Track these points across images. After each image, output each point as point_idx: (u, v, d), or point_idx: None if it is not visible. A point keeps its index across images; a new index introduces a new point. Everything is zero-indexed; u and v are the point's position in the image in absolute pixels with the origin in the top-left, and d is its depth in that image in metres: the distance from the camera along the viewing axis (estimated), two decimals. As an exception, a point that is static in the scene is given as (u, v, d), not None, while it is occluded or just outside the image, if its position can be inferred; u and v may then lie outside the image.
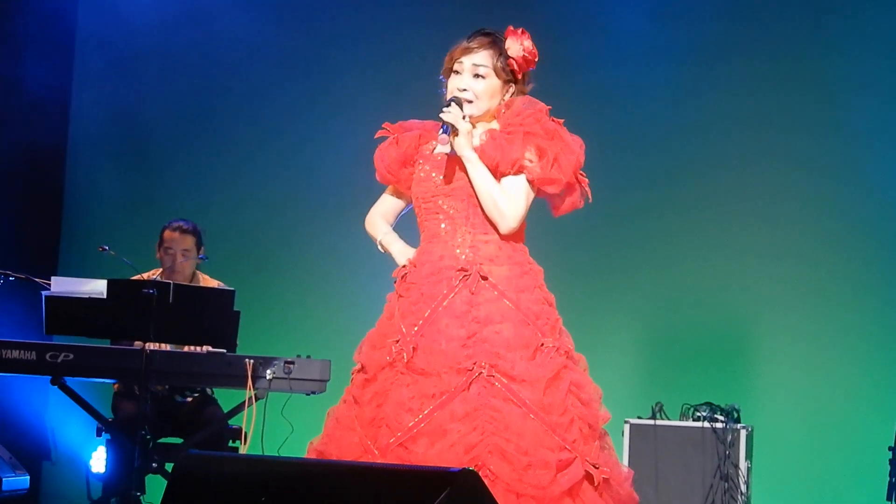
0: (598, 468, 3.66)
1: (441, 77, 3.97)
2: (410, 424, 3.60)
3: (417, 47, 7.30)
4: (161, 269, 6.20)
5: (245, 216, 7.68)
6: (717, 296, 7.24)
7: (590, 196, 3.92)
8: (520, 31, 3.92)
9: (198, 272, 6.27)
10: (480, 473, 3.47)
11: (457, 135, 3.78)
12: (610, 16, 7.48)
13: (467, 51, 3.87)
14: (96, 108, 8.07)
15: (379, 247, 4.09)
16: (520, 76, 3.91)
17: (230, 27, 7.93)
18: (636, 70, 7.46)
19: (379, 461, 3.60)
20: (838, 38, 7.27)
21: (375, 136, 4.08)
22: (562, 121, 3.88)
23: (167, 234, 6.19)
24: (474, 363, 3.63)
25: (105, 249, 5.86)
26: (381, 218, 4.10)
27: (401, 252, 3.98)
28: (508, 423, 3.59)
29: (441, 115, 3.79)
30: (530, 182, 3.82)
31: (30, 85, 7.72)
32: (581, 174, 3.88)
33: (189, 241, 6.17)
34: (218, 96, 8.01)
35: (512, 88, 3.91)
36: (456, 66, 3.88)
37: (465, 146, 3.79)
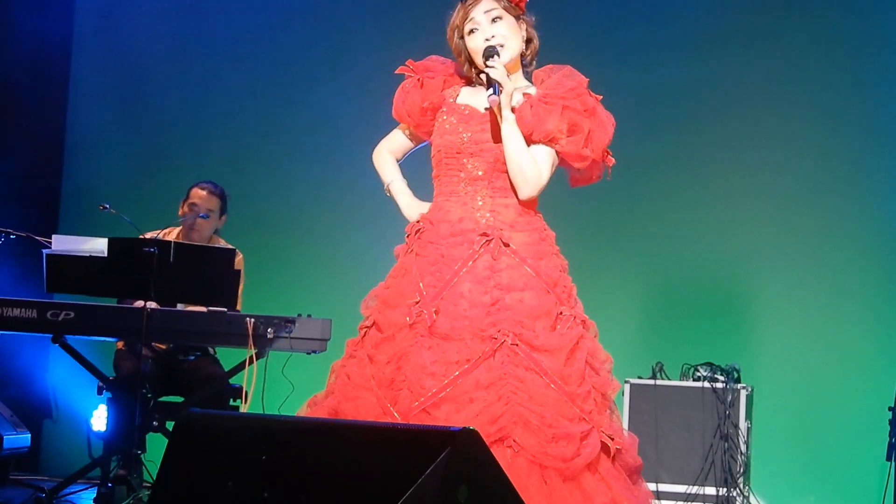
0: (613, 439, 3.66)
1: (453, 59, 3.95)
2: (434, 390, 3.56)
3: (428, 26, 7.30)
4: (179, 228, 6.20)
5: (243, 173, 7.65)
6: (719, 256, 7.24)
7: (609, 175, 3.91)
8: None
9: (215, 235, 6.28)
10: (505, 444, 3.50)
11: (502, 92, 3.73)
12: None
13: (471, 6, 3.85)
14: (97, 64, 8.04)
15: (385, 190, 4.05)
16: (523, 9, 3.90)
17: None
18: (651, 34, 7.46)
19: (398, 423, 3.56)
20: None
21: (396, 72, 4.02)
22: (600, 97, 3.86)
23: (195, 191, 6.21)
24: (499, 330, 3.60)
25: (106, 208, 5.85)
26: (390, 155, 4.06)
27: (409, 206, 3.95)
28: (532, 394, 3.57)
29: (487, 72, 3.74)
30: (558, 154, 3.80)
31: (28, 40, 7.69)
32: (608, 153, 3.87)
33: (214, 203, 6.20)
34: (220, 49, 7.97)
35: (524, 24, 3.89)
36: (468, 26, 3.85)
37: (506, 105, 3.76)
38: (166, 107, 7.93)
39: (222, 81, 7.93)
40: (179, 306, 5.80)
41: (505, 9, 3.85)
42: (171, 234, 6.12)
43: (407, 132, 4.05)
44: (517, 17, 3.88)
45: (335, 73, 7.70)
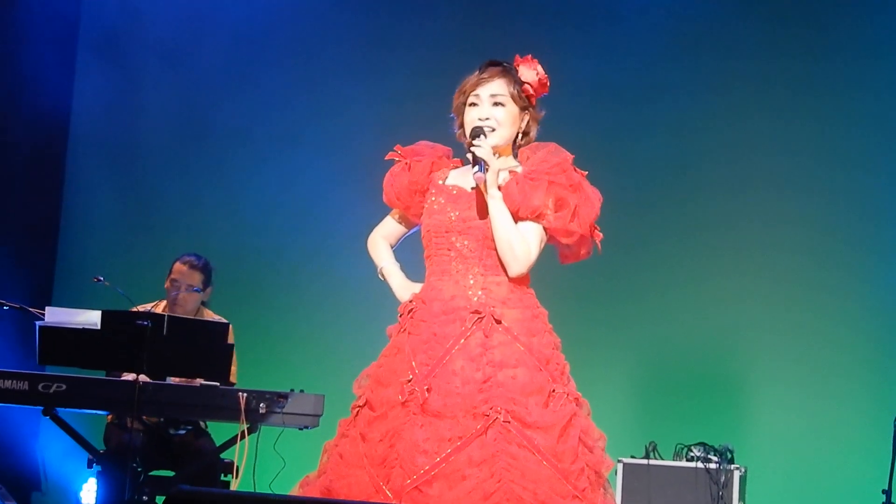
0: None
1: (451, 115, 3.99)
2: (427, 467, 3.56)
3: (423, 66, 7.39)
4: (166, 301, 6.20)
5: (242, 248, 7.66)
6: (712, 334, 7.26)
7: (599, 249, 3.93)
8: (529, 57, 3.95)
9: (202, 307, 6.27)
10: (498, 521, 3.46)
11: (487, 170, 3.77)
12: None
13: (482, 81, 3.89)
14: (95, 135, 8.08)
15: (378, 274, 4.07)
16: (533, 103, 3.94)
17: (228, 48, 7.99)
18: (634, 108, 7.53)
19: (391, 503, 3.56)
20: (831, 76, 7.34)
21: (386, 158, 4.06)
22: (585, 172, 3.89)
23: (177, 266, 6.20)
24: (491, 408, 3.61)
25: (100, 280, 5.85)
26: (384, 241, 4.09)
27: (401, 286, 3.97)
28: (525, 471, 3.57)
29: (473, 150, 3.79)
30: (546, 230, 3.83)
31: (27, 118, 7.74)
32: (596, 228, 3.89)
33: (196, 278, 6.18)
34: (215, 125, 8.01)
35: (527, 116, 3.93)
36: (472, 99, 3.89)
37: (492, 183, 3.79)
38: (162, 181, 7.94)
39: (220, 159, 7.96)
40: (170, 379, 5.78)
41: (511, 96, 3.89)
42: (159, 308, 6.12)
43: (398, 217, 4.08)
44: (522, 108, 3.92)
45: (331, 152, 7.74)
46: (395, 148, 4.07)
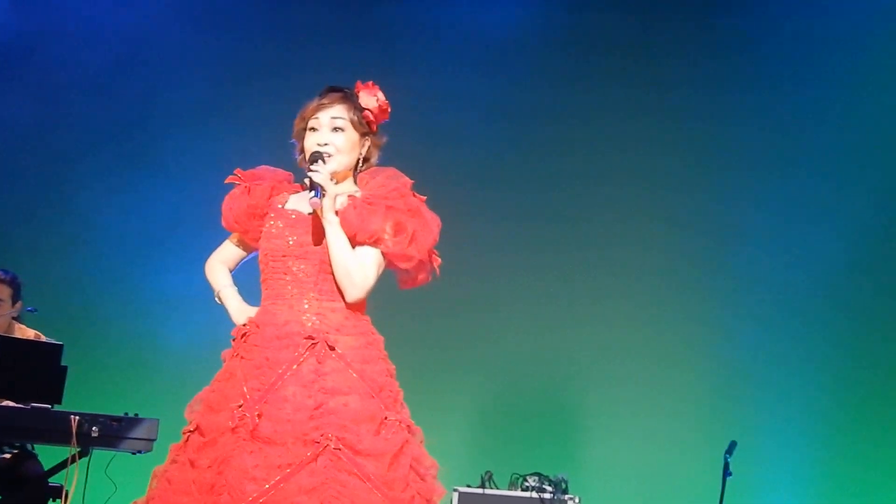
0: None
1: (292, 141, 3.97)
2: (255, 495, 3.51)
3: (265, 93, 7.39)
4: None
5: (77, 269, 7.53)
6: (548, 367, 7.37)
7: (438, 273, 3.94)
8: (370, 83, 3.96)
9: (14, 322, 6.12)
10: (326, 550, 3.43)
11: (324, 196, 3.76)
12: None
13: (322, 107, 3.89)
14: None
15: (216, 298, 4.03)
16: (374, 129, 3.94)
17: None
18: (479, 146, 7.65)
19: (217, 530, 3.51)
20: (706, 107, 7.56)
21: (225, 182, 4.02)
22: (424, 198, 3.89)
23: None
24: (322, 434, 3.58)
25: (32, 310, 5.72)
26: (221, 265, 4.05)
27: (238, 310, 3.93)
28: (354, 498, 3.54)
29: (310, 175, 3.77)
30: (384, 255, 3.82)
31: None
32: (434, 252, 3.90)
33: (5, 292, 6.04)
34: (39, 138, 7.87)
35: (367, 142, 3.93)
36: (311, 124, 3.88)
37: (329, 209, 3.77)
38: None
39: (50, 170, 7.81)
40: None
41: (352, 122, 3.89)
42: None
43: (236, 241, 4.05)
44: (363, 134, 3.92)
45: (170, 174, 7.65)
46: (234, 171, 4.04)
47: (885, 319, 7.37)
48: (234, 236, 4.05)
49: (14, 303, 6.08)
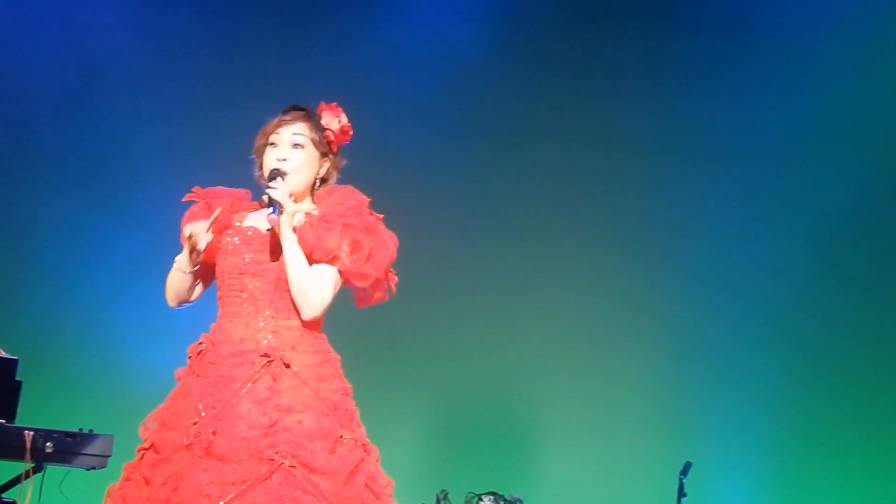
0: None
1: (252, 156, 3.97)
2: (209, 512, 3.50)
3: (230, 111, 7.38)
4: None
5: (32, 281, 7.49)
6: (504, 385, 7.41)
7: (394, 292, 3.95)
8: (334, 105, 3.97)
9: None
10: (279, 568, 3.43)
11: (282, 213, 3.76)
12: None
13: (283, 123, 3.90)
14: None
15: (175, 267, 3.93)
16: (335, 150, 3.95)
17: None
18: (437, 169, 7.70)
19: (170, 547, 3.50)
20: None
21: (183, 199, 4.01)
22: (381, 216, 3.90)
23: None
24: (276, 452, 3.58)
25: None
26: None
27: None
28: (308, 517, 3.54)
29: (268, 192, 3.78)
30: (341, 273, 3.82)
31: None
32: (391, 271, 3.91)
33: None
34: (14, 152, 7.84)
35: (327, 163, 3.94)
36: (272, 139, 3.89)
37: (287, 226, 3.77)
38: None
39: (11, 190, 7.78)
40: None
41: (312, 140, 3.90)
42: None
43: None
44: (323, 154, 3.93)
45: (127, 190, 7.63)
46: (192, 189, 4.04)
47: (851, 326, 7.44)
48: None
49: None
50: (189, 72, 7.78)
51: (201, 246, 3.79)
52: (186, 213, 4.00)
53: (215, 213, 3.79)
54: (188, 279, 3.93)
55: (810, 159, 7.58)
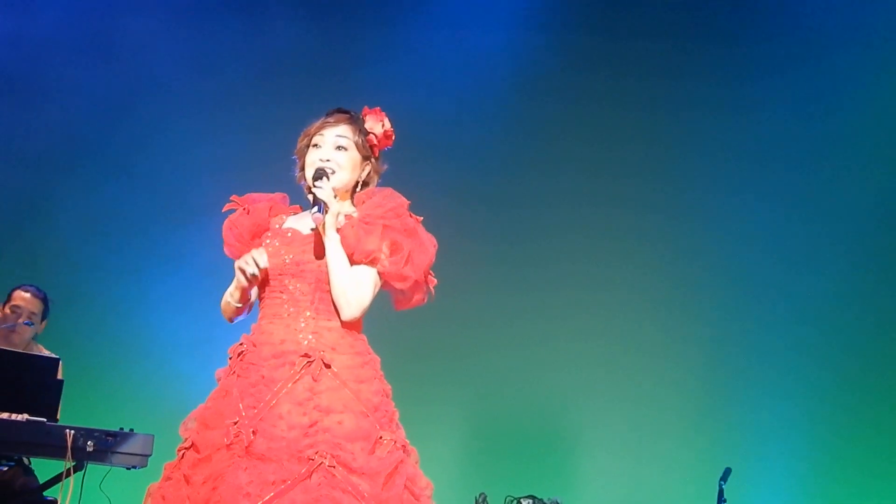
0: None
1: (294, 157, 3.99)
2: (249, 511, 3.51)
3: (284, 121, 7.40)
4: None
5: (74, 282, 7.54)
6: (543, 390, 7.39)
7: (433, 295, 3.95)
8: (377, 109, 3.99)
9: (33, 342, 6.14)
10: (318, 566, 3.43)
11: (326, 212, 3.78)
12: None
13: (327, 125, 3.93)
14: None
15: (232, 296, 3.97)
16: (376, 154, 3.97)
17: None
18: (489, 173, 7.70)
19: (210, 546, 3.51)
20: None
21: (223, 210, 4.04)
22: (420, 218, 3.91)
23: (18, 293, 6.07)
24: (316, 452, 3.58)
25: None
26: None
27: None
28: (347, 516, 3.54)
29: (315, 192, 3.79)
30: (380, 275, 3.83)
31: None
32: (430, 273, 3.91)
33: (38, 307, 6.07)
34: (41, 153, 7.89)
35: (368, 166, 3.96)
36: (315, 140, 3.91)
37: (331, 226, 3.79)
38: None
39: (48, 190, 7.83)
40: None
41: (355, 143, 3.92)
42: None
43: None
44: (365, 157, 3.95)
45: (170, 188, 7.68)
46: (230, 198, 4.06)
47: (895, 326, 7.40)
48: None
49: (43, 319, 6.11)
50: (236, 89, 7.83)
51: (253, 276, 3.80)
52: (226, 222, 4.03)
53: (259, 266, 3.78)
54: (241, 308, 3.97)
55: (850, 158, 7.53)
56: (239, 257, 3.96)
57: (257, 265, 3.77)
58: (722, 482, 6.49)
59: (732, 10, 7.75)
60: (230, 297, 3.95)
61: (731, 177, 7.65)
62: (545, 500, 6.54)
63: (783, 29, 7.71)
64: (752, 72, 7.69)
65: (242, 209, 4.01)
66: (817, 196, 7.55)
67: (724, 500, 6.47)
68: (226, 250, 4.03)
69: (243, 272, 3.79)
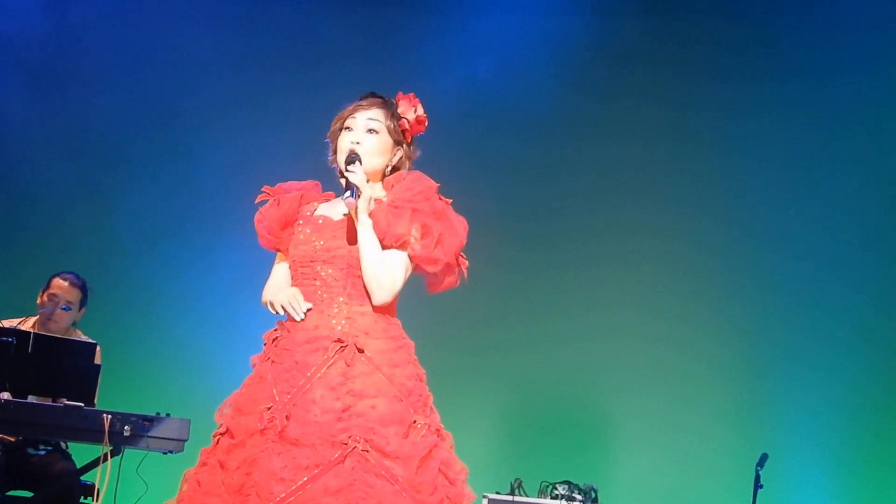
0: None
1: (327, 140, 3.98)
2: (283, 495, 3.52)
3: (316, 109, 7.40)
4: (36, 318, 6.09)
5: (111, 267, 7.58)
6: (579, 376, 7.38)
7: (466, 277, 3.94)
8: (411, 95, 3.98)
9: (72, 328, 6.18)
10: (352, 551, 3.43)
11: (359, 196, 3.77)
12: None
13: (359, 108, 3.92)
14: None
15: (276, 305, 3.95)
16: (409, 140, 3.96)
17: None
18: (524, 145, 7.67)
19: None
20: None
21: (256, 201, 4.03)
22: (450, 200, 3.89)
23: (56, 281, 6.11)
24: (349, 437, 3.58)
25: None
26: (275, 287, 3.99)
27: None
28: (382, 501, 3.54)
29: (348, 176, 3.79)
30: (411, 258, 3.82)
31: None
32: (461, 256, 3.89)
33: (75, 295, 6.11)
34: (87, 141, 7.93)
35: (400, 152, 3.94)
36: (348, 123, 3.90)
37: (363, 210, 3.78)
38: (29, 194, 7.84)
39: (91, 176, 7.87)
40: (31, 398, 5.66)
41: (387, 128, 3.91)
42: (27, 324, 6.01)
43: (283, 260, 4.01)
44: (396, 142, 3.93)
45: (211, 174, 7.70)
46: (262, 189, 4.06)
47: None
48: (279, 256, 4.04)
49: (81, 307, 6.15)
50: (279, 85, 7.86)
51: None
52: (257, 214, 4.02)
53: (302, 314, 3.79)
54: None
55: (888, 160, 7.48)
56: (273, 249, 4.00)
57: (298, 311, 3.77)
58: (759, 467, 6.46)
59: (767, 14, 7.69)
60: (269, 307, 3.94)
61: (770, 181, 7.58)
62: (581, 486, 6.53)
63: (826, 29, 7.64)
64: (799, 73, 7.62)
65: (273, 200, 4.01)
66: (857, 201, 7.48)
67: (762, 486, 6.44)
68: (260, 242, 4.03)
69: (284, 310, 3.80)
